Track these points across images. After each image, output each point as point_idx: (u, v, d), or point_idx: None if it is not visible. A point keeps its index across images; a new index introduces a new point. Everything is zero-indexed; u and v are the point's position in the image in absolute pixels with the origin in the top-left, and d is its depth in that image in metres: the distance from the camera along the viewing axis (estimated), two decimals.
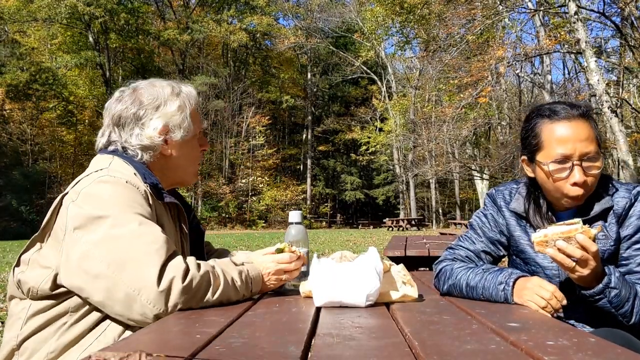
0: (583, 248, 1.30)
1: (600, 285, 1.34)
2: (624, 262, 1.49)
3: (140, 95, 1.54)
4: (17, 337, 1.35)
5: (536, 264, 1.59)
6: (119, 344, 0.92)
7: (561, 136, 1.46)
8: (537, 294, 1.33)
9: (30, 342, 1.34)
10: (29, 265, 1.39)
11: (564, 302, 1.33)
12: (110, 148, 1.54)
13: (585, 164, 1.44)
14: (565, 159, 1.45)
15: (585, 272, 1.32)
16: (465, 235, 1.72)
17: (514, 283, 1.40)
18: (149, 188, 1.45)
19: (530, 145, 1.55)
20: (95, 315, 1.35)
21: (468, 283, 1.49)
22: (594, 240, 1.31)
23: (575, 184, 1.45)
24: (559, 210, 1.58)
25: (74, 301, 1.35)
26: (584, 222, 1.42)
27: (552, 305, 1.31)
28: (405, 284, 1.42)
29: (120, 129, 1.53)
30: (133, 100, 1.53)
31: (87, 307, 1.35)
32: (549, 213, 1.59)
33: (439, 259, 1.69)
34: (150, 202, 1.43)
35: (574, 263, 1.31)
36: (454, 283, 1.53)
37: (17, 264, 1.43)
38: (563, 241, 1.31)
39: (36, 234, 1.41)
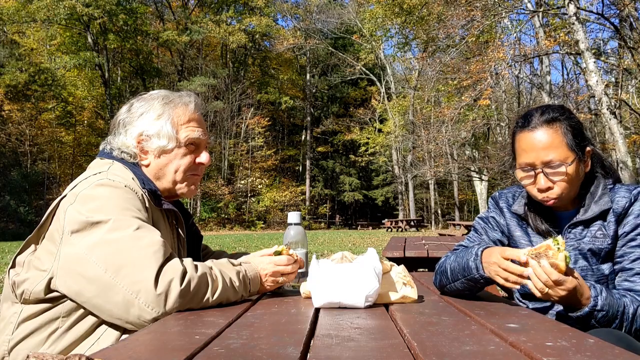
0: (554, 266, 1.24)
1: (587, 309, 1.31)
2: (618, 259, 1.49)
3: (134, 103, 1.59)
4: (8, 342, 1.34)
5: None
6: (118, 345, 0.92)
7: (524, 145, 1.52)
8: (498, 275, 1.35)
9: (21, 347, 1.33)
10: (24, 267, 1.38)
11: (524, 278, 1.29)
12: (101, 147, 1.59)
13: (548, 170, 1.48)
14: (528, 166, 1.51)
15: (561, 292, 1.25)
16: (467, 237, 1.76)
17: (482, 252, 1.44)
18: (146, 193, 1.45)
19: (512, 152, 1.62)
20: (89, 321, 1.33)
21: (450, 265, 1.54)
22: (567, 262, 1.25)
23: (540, 190, 1.51)
24: (559, 210, 1.60)
25: (65, 306, 1.33)
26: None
27: (512, 280, 1.32)
28: (405, 285, 1.41)
29: (113, 133, 1.58)
30: (128, 107, 1.58)
31: (79, 312, 1.33)
32: (550, 213, 1.61)
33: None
34: (147, 206, 1.43)
35: (546, 289, 1.25)
36: (442, 271, 1.58)
37: (13, 266, 1.42)
38: (534, 260, 1.26)
39: (30, 235, 1.41)
